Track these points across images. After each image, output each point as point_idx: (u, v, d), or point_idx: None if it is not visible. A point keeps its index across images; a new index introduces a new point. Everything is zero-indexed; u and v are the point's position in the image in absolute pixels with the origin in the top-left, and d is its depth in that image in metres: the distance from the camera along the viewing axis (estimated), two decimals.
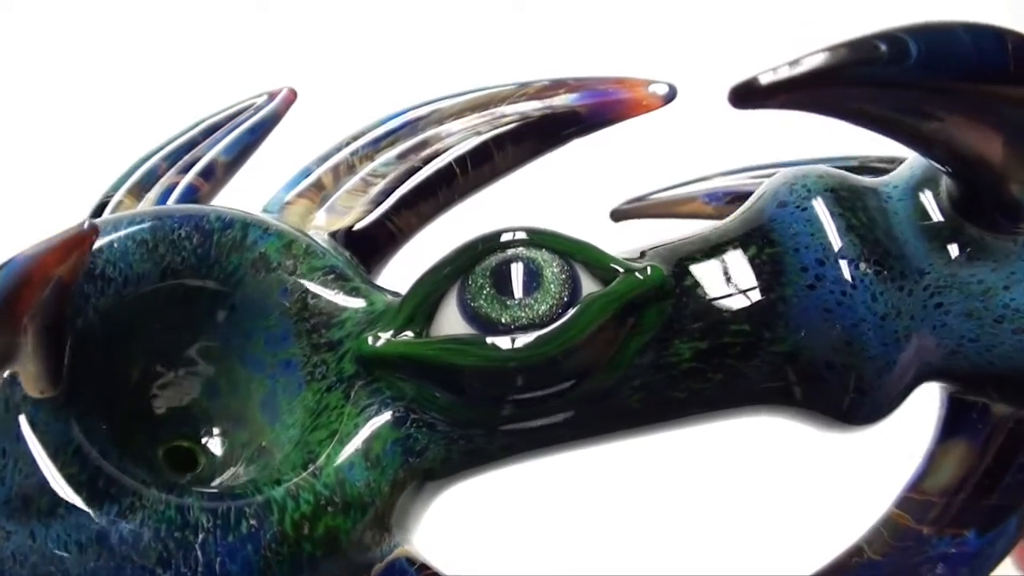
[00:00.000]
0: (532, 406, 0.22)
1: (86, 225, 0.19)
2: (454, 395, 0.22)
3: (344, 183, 0.26)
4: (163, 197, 0.27)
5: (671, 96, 0.27)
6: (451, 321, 0.22)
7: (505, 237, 0.22)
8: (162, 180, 0.27)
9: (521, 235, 0.22)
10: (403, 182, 0.26)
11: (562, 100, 0.27)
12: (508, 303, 0.21)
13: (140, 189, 0.27)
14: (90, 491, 0.20)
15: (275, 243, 0.24)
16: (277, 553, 0.21)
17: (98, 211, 0.27)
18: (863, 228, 0.22)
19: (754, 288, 0.22)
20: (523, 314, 0.21)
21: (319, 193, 0.26)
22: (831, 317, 0.22)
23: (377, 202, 0.26)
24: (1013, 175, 0.21)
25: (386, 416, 0.22)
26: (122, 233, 0.23)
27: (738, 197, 0.28)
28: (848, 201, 0.22)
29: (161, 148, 0.28)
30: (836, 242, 0.22)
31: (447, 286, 0.22)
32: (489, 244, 0.22)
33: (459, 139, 0.27)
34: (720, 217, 0.27)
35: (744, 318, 0.22)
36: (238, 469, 0.23)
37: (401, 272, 0.26)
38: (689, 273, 0.23)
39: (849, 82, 0.18)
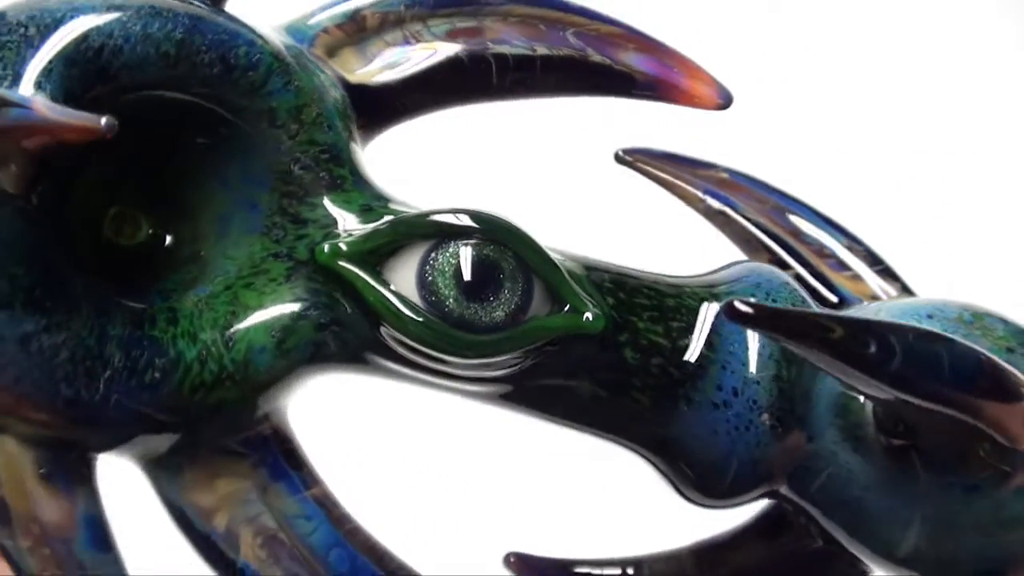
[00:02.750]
0: (436, 374, 0.23)
1: (104, 123, 0.19)
2: (377, 334, 0.23)
3: (385, 31, 0.26)
4: None
5: (725, 104, 0.26)
6: (405, 274, 0.22)
7: (491, 230, 0.22)
8: None
9: (507, 234, 0.22)
10: (439, 62, 0.25)
11: (626, 56, 0.26)
12: (462, 295, 0.22)
13: None
14: (27, 298, 0.21)
15: (289, 102, 0.23)
16: (167, 408, 0.22)
17: None
18: (786, 384, 0.24)
19: (672, 378, 0.24)
20: (469, 310, 0.22)
21: (358, 32, 0.25)
22: (714, 439, 0.24)
23: (405, 69, 0.25)
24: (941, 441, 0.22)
25: (312, 317, 0.23)
26: (149, 34, 0.22)
27: (729, 220, 0.28)
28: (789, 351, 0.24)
29: None
30: (756, 386, 0.24)
31: (419, 241, 0.22)
32: (476, 229, 0.22)
33: (512, 43, 0.26)
34: (706, 216, 0.28)
35: (649, 393, 0.24)
36: (172, 258, 0.24)
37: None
38: (628, 330, 0.24)
39: (830, 354, 0.20)
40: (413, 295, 0.22)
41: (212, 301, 0.23)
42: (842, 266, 0.29)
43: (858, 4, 0.57)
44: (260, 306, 0.23)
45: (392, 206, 0.24)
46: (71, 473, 0.23)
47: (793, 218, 0.29)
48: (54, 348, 0.21)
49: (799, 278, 0.28)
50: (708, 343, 0.24)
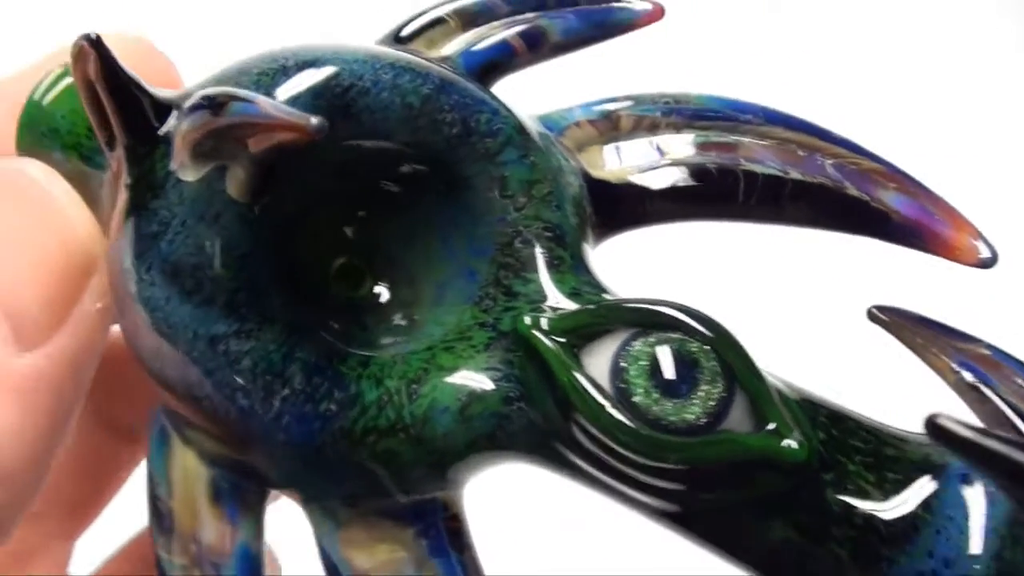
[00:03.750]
0: (613, 473, 0.22)
1: (315, 122, 0.19)
2: (563, 420, 0.22)
3: (638, 135, 0.25)
4: (488, 44, 0.26)
5: (990, 261, 0.24)
6: (600, 360, 0.21)
7: (700, 328, 0.21)
8: (491, 25, 0.26)
9: (715, 335, 0.21)
10: (687, 171, 0.25)
11: (885, 195, 0.25)
12: (653, 388, 0.21)
13: (469, 18, 0.26)
14: (227, 300, 0.22)
15: (522, 175, 0.23)
16: (335, 442, 0.22)
17: (429, 19, 0.26)
18: (1006, 567, 0.21)
19: (879, 534, 0.21)
20: (658, 405, 0.21)
21: (611, 131, 0.25)
22: None
23: (650, 173, 0.25)
24: None
25: (502, 388, 0.22)
26: (398, 84, 0.23)
27: (983, 398, 0.25)
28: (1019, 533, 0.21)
29: None
30: (971, 561, 0.21)
31: (621, 329, 0.21)
32: (682, 323, 0.21)
33: (764, 164, 0.25)
34: (956, 389, 0.25)
35: (849, 547, 0.21)
36: (389, 318, 0.24)
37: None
38: (836, 471, 0.21)
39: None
40: (604, 381, 0.21)
41: (409, 357, 0.23)
42: None
43: (858, 4, 0.54)
44: (454, 368, 0.22)
45: (604, 296, 0.23)
46: (241, 500, 0.23)
47: None
48: (239, 354, 0.21)
49: None
50: (925, 503, 0.21)
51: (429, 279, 0.24)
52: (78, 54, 0.21)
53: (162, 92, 0.22)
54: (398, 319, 0.24)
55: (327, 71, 0.23)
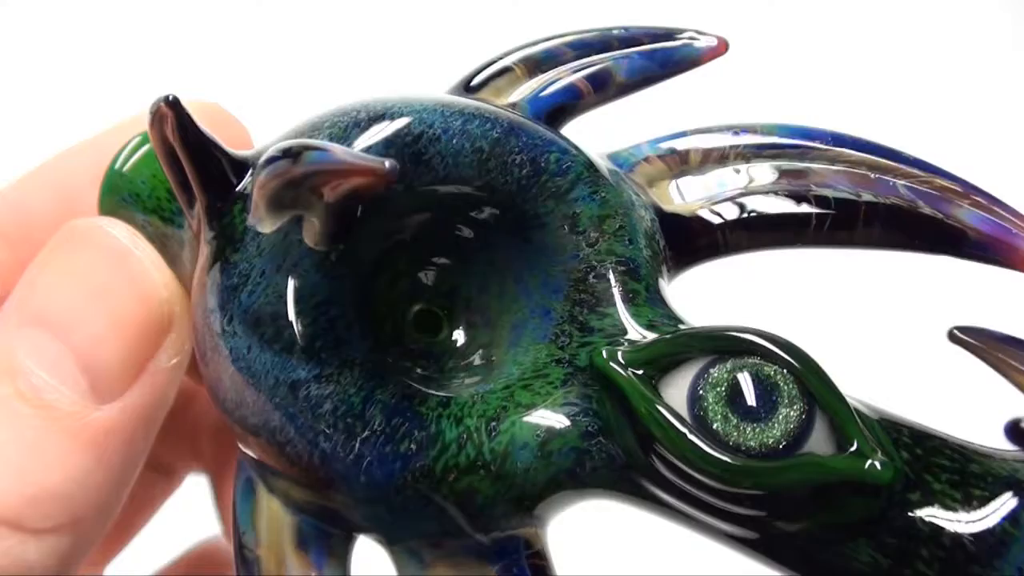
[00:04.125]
0: (695, 502, 0.22)
1: (388, 165, 0.19)
2: (644, 452, 0.22)
3: (708, 169, 0.25)
4: (554, 89, 0.26)
5: None
6: (678, 390, 0.21)
7: (777, 351, 0.21)
8: (557, 70, 0.27)
9: (793, 357, 0.21)
10: (758, 201, 0.25)
11: (960, 212, 0.24)
12: (732, 415, 0.21)
13: (535, 65, 0.27)
14: (307, 346, 0.22)
15: (593, 211, 0.23)
16: (416, 481, 0.22)
17: (496, 69, 0.26)
18: None
19: (966, 552, 0.21)
20: (737, 434, 0.21)
21: (680, 165, 0.25)
22: None
23: (722, 206, 0.25)
24: None
25: (581, 423, 0.22)
26: (467, 130, 0.23)
27: None
28: None
29: (572, 35, 0.27)
30: None
31: (699, 356, 0.21)
32: (759, 347, 0.21)
33: (835, 188, 0.25)
34: None
35: (937, 567, 0.21)
36: (467, 361, 0.24)
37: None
38: (921, 490, 0.21)
39: None
40: (683, 410, 0.21)
41: (488, 396, 0.23)
42: None
43: (858, 4, 0.53)
44: (532, 405, 0.23)
45: (681, 327, 0.23)
46: (326, 546, 0.23)
47: None
48: (320, 398, 0.22)
49: None
50: (1013, 518, 0.21)
51: (505, 320, 0.24)
52: (156, 115, 0.22)
53: (238, 151, 0.23)
54: (476, 360, 0.24)
55: (398, 121, 0.23)
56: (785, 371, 0.21)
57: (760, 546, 0.22)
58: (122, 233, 0.24)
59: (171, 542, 0.34)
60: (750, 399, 0.21)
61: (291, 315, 0.22)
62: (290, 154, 0.21)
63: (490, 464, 0.22)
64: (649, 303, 0.23)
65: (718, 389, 0.21)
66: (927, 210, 0.24)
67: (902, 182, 0.25)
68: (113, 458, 0.23)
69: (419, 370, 0.24)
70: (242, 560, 0.23)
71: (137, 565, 0.34)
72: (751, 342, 0.21)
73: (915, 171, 0.25)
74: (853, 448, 0.21)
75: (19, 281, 0.24)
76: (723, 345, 0.21)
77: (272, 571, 0.23)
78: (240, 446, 0.24)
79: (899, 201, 0.24)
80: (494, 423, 0.22)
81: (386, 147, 0.23)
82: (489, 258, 0.24)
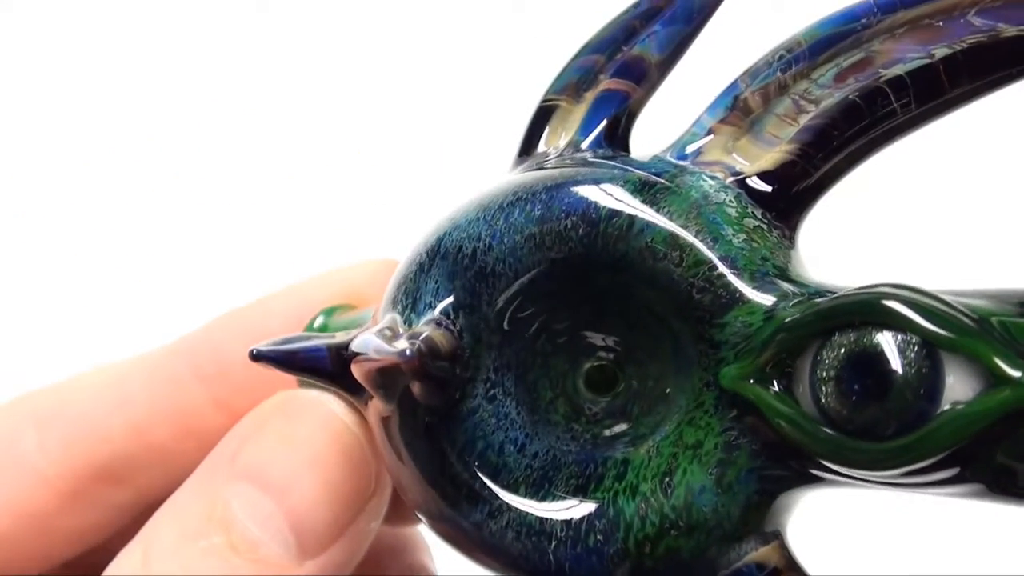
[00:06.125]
0: (885, 485, 0.20)
1: (408, 353, 0.21)
2: (800, 459, 0.21)
3: (775, 105, 0.23)
4: (599, 104, 0.25)
5: None
6: (803, 384, 0.20)
7: (866, 314, 0.19)
8: (598, 87, 0.25)
9: (878, 312, 0.19)
10: (836, 113, 0.22)
11: None
12: (845, 396, 0.19)
13: (574, 88, 0.26)
14: (467, 493, 0.23)
15: (660, 232, 0.22)
16: (619, 565, 0.22)
17: (541, 116, 0.26)
18: None
19: None
20: (861, 415, 0.19)
21: (746, 117, 0.23)
22: None
23: (802, 140, 0.23)
24: None
25: (743, 445, 0.21)
26: (512, 223, 0.23)
27: None
28: None
29: (592, 39, 0.26)
30: None
31: (806, 344, 0.20)
32: (850, 316, 0.19)
33: (905, 60, 0.22)
34: None
35: None
36: (638, 400, 0.24)
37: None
38: None
39: None
40: (809, 404, 0.20)
41: (662, 444, 0.22)
42: None
43: None
44: (697, 443, 0.22)
45: (792, 306, 0.21)
46: None
47: None
48: (500, 530, 0.23)
49: None
50: None
51: (664, 348, 0.24)
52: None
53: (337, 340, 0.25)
54: (655, 398, 0.24)
55: (451, 249, 0.24)
56: (882, 329, 0.19)
57: (994, 490, 0.20)
58: (339, 409, 0.27)
59: None
60: (861, 377, 0.19)
61: (446, 471, 0.23)
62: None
63: (677, 522, 0.22)
64: (759, 289, 0.22)
65: (829, 375, 0.19)
66: (1012, 31, 0.21)
67: (973, 11, 0.21)
68: None
69: (589, 435, 0.24)
70: None
71: None
72: (838, 311, 0.19)
73: None
74: (1003, 382, 0.18)
75: (229, 435, 0.27)
76: (817, 326, 0.20)
77: None
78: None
79: (977, 37, 0.21)
80: (667, 479, 0.22)
81: (450, 280, 0.23)
82: (621, 308, 0.24)
